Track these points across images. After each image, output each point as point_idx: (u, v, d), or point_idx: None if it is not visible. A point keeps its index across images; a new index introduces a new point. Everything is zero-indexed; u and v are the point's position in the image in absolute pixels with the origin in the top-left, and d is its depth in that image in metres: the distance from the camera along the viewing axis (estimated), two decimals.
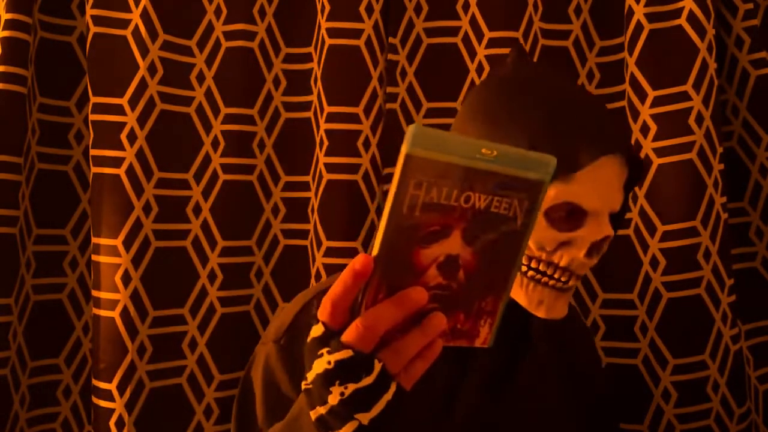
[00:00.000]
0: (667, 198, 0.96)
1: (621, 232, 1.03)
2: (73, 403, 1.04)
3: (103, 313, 0.93)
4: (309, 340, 0.44)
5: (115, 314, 0.92)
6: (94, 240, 0.95)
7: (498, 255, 0.46)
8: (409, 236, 0.43)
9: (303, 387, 0.44)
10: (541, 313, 0.64)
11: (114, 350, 0.92)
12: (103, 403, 0.92)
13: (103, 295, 0.93)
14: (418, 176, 0.42)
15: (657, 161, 0.96)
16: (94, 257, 0.95)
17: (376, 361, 0.42)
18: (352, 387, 0.41)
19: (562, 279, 0.63)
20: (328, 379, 0.42)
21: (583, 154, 0.61)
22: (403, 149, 0.41)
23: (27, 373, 1.01)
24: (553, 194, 0.62)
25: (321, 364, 0.42)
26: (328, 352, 0.42)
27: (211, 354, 1.00)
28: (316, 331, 0.43)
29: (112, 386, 0.91)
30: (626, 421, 0.99)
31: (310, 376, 0.43)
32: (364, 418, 0.42)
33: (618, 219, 0.71)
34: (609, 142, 0.62)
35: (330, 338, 0.42)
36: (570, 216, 0.63)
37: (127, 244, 0.94)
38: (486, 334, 0.48)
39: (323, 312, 0.42)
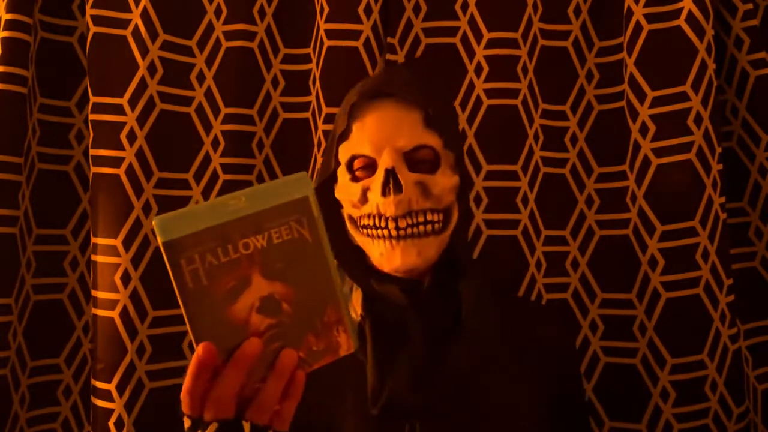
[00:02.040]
0: (665, 198, 0.96)
1: (620, 231, 1.03)
2: (73, 403, 1.04)
3: (102, 313, 0.93)
4: None
5: (115, 314, 0.92)
6: (93, 240, 0.95)
7: (308, 272, 0.48)
8: (211, 303, 0.45)
9: None
10: (384, 266, 0.67)
11: (113, 350, 0.92)
12: (102, 404, 0.92)
13: (102, 295, 0.93)
14: (185, 254, 0.44)
15: (656, 161, 0.97)
16: (93, 257, 0.95)
17: (243, 423, 0.46)
18: None
19: (389, 226, 0.66)
20: None
21: (354, 108, 0.70)
22: (159, 241, 0.43)
23: (27, 373, 1.01)
24: (343, 154, 0.69)
25: None
26: None
27: None
28: (186, 424, 0.48)
29: (111, 386, 0.91)
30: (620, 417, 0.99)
31: None
32: None
33: (457, 158, 0.71)
34: (374, 90, 0.68)
35: (198, 425, 0.47)
36: (365, 167, 0.69)
37: (127, 244, 0.94)
38: (346, 341, 0.50)
39: (185, 406, 0.47)
